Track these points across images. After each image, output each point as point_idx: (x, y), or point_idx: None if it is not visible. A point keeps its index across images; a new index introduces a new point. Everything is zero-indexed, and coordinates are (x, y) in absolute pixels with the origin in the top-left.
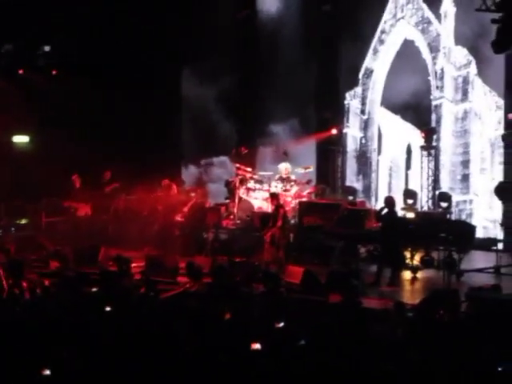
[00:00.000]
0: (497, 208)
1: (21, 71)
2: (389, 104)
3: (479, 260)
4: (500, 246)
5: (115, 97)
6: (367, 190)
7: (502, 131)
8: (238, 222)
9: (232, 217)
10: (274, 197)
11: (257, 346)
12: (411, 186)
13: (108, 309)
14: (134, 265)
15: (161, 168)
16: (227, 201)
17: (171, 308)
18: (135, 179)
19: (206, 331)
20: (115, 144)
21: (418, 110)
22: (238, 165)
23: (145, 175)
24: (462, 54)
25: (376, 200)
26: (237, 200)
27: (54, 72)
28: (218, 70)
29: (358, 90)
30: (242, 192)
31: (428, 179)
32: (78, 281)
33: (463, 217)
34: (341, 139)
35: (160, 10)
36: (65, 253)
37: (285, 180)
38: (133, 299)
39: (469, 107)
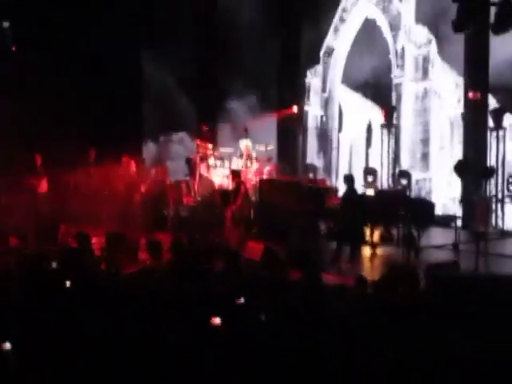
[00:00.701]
0: (456, 186)
1: None
2: (349, 82)
3: (438, 237)
4: (459, 222)
5: (75, 73)
6: (328, 167)
7: (461, 110)
8: (199, 199)
9: (193, 194)
10: (234, 174)
11: (217, 320)
12: (371, 164)
13: (68, 284)
14: (94, 241)
15: (121, 145)
16: (188, 178)
17: (132, 284)
18: (95, 156)
19: (165, 307)
20: (75, 120)
21: (378, 89)
22: (198, 142)
23: (105, 152)
24: (422, 33)
25: (336, 178)
26: (197, 177)
27: (12, 48)
28: (177, 46)
29: (319, 68)
30: (202, 169)
31: (388, 157)
32: (37, 258)
33: (423, 194)
34: (301, 117)
35: None
36: (24, 230)
37: (245, 157)
38: (93, 275)
39: (429, 86)
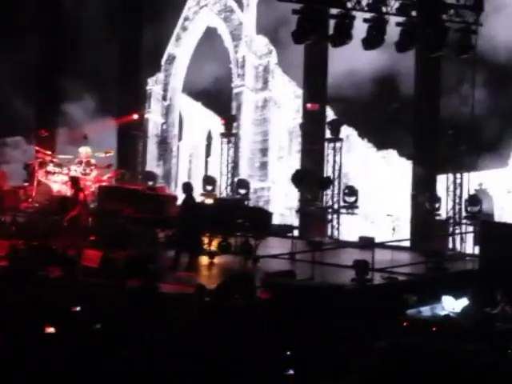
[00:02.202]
0: (293, 195)
1: None
2: (191, 91)
3: (275, 246)
4: (295, 232)
5: None
6: (167, 175)
7: (300, 120)
8: (37, 205)
9: (30, 200)
10: (73, 181)
11: (51, 329)
12: (211, 173)
13: None
14: None
15: None
16: (26, 184)
17: None
18: None
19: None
20: None
21: (219, 98)
22: (37, 147)
23: None
24: (263, 43)
25: (176, 186)
26: (35, 183)
27: None
28: (15, 45)
29: (161, 75)
30: (41, 175)
31: (227, 166)
32: None
33: (261, 203)
34: (142, 124)
35: None
36: None
37: (85, 164)
38: None
39: (268, 96)
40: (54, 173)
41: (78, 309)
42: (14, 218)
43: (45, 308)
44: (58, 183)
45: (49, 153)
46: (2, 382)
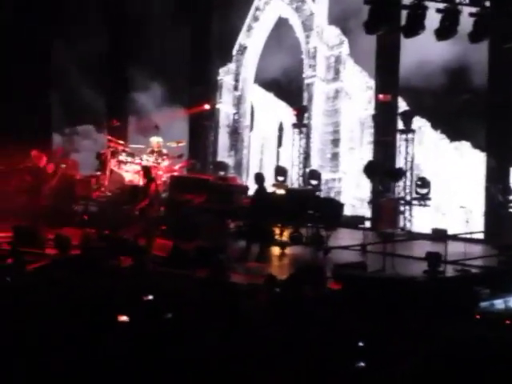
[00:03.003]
0: (365, 187)
1: None
2: (262, 81)
3: (346, 237)
4: (367, 224)
5: None
6: (238, 165)
7: (371, 111)
8: (109, 194)
9: (102, 189)
10: (145, 170)
11: (124, 318)
12: (282, 163)
13: None
14: (0, 235)
15: (29, 137)
16: (98, 173)
17: (38, 279)
18: (1, 149)
19: (73, 303)
20: None
21: (290, 88)
22: (109, 137)
23: (11, 144)
24: (334, 34)
25: (247, 176)
26: (108, 172)
27: None
28: (83, 34)
29: (232, 66)
30: (113, 164)
31: (299, 157)
32: None
33: (332, 195)
34: (213, 114)
35: None
36: None
37: (156, 154)
38: None
39: (340, 87)
40: (126, 162)
41: (149, 298)
42: (86, 207)
43: (117, 297)
44: (129, 173)
45: (121, 142)
46: (78, 370)
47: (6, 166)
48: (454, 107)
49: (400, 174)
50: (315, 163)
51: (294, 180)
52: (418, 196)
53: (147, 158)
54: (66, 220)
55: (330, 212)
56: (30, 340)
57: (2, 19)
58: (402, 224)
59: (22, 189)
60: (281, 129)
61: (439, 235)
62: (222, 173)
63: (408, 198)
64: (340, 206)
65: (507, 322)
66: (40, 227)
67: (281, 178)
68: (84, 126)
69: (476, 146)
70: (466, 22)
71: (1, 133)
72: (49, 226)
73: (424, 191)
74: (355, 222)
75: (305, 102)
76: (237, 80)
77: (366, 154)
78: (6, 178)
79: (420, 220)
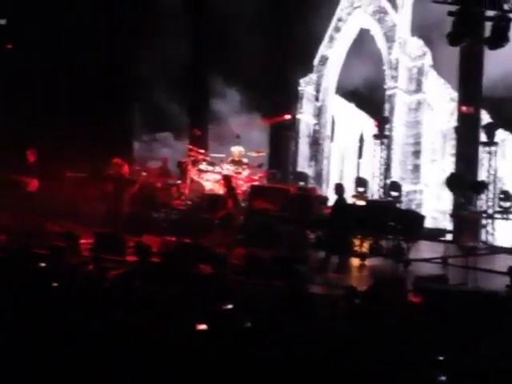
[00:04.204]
0: (446, 199)
1: None
2: (343, 92)
3: (427, 250)
4: (448, 236)
5: (67, 73)
6: (318, 176)
7: (454, 123)
8: (189, 203)
9: (183, 198)
10: (226, 179)
11: (202, 326)
12: (362, 175)
13: (54, 284)
14: (82, 241)
15: (110, 145)
16: (178, 181)
17: (118, 286)
18: (84, 156)
19: (152, 310)
20: (65, 119)
21: (371, 99)
22: (190, 146)
23: (94, 152)
24: (417, 45)
25: (327, 186)
26: (188, 181)
27: (8, 46)
28: (168, 44)
29: (313, 76)
30: (193, 173)
31: (379, 168)
32: (24, 255)
33: (413, 207)
34: (294, 124)
35: None
36: (11, 227)
37: (237, 163)
38: (79, 276)
39: (422, 98)
40: (206, 171)
41: (229, 307)
42: (166, 214)
43: (196, 305)
44: (210, 181)
45: (201, 151)
46: (158, 376)
47: (89, 173)
48: None
49: (483, 186)
50: (396, 175)
51: (375, 191)
52: (500, 209)
53: (228, 167)
54: (147, 227)
55: (411, 224)
56: (108, 346)
57: (90, 32)
58: (483, 237)
59: (103, 196)
60: (361, 140)
61: None
62: (301, 183)
63: (490, 211)
64: (421, 218)
65: None
66: (121, 234)
67: (361, 189)
68: (162, 133)
69: None
70: None
71: (83, 141)
72: (129, 233)
73: (507, 205)
74: (436, 234)
75: (386, 113)
76: (318, 90)
77: (448, 166)
78: (89, 185)
79: (502, 234)
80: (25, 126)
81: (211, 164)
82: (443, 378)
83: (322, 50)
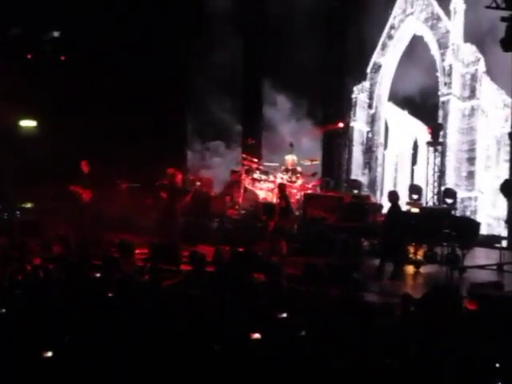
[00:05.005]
0: (501, 206)
1: (29, 56)
2: (396, 99)
3: (482, 257)
4: (504, 243)
5: (120, 84)
6: (372, 184)
7: (508, 129)
8: (243, 212)
9: (237, 207)
10: (280, 188)
11: (256, 335)
12: (416, 182)
13: (110, 295)
14: (137, 251)
15: (164, 155)
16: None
17: (173, 296)
18: (138, 167)
19: (207, 320)
20: (119, 131)
21: (425, 106)
22: (243, 155)
23: (148, 163)
24: (470, 51)
25: (381, 194)
26: (242, 190)
27: (62, 57)
28: (219, 52)
29: (366, 84)
30: (247, 182)
31: (434, 175)
32: (80, 266)
33: (468, 213)
34: (347, 132)
35: None
36: (67, 238)
37: (290, 171)
38: (134, 286)
39: (476, 104)
40: (260, 180)
41: (283, 315)
42: (220, 224)
43: (250, 314)
44: (263, 190)
45: (255, 160)
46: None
47: (143, 183)
48: None
49: None
50: (450, 182)
51: (429, 198)
52: None
53: (282, 175)
54: (201, 237)
55: (466, 231)
56: (165, 357)
57: (143, 42)
58: None
59: (157, 206)
60: (415, 147)
61: None
62: (355, 191)
63: None
64: (476, 224)
65: None
66: (175, 244)
67: (415, 197)
68: (214, 142)
69: None
70: None
71: (137, 151)
72: (184, 242)
73: None
74: (491, 241)
75: (440, 120)
76: (371, 98)
77: (503, 172)
78: (143, 195)
79: None
80: (79, 138)
81: (265, 173)
82: None
83: (375, 57)
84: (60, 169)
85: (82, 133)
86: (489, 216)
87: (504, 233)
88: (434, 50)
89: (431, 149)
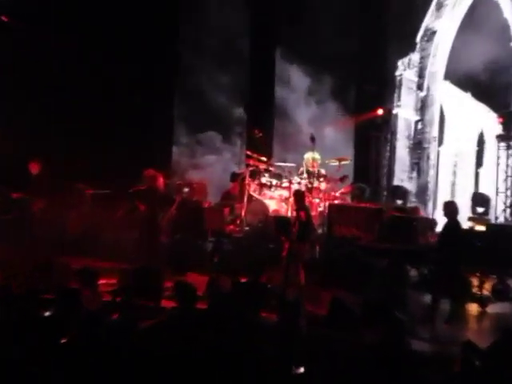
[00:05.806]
0: None
1: None
2: (456, 78)
3: None
4: None
5: (83, 55)
6: (423, 191)
7: None
8: (247, 228)
9: (239, 222)
10: (297, 197)
11: None
12: (483, 189)
13: (63, 341)
14: (103, 281)
15: (142, 152)
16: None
17: (151, 342)
18: (108, 166)
19: (196, 372)
20: (81, 119)
21: (494, 87)
22: (248, 152)
23: (120, 162)
24: None
25: (434, 206)
26: (246, 199)
27: (4, 19)
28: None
29: (415, 57)
30: (253, 189)
31: (506, 180)
32: (25, 301)
33: None
34: (388, 122)
35: None
36: (9, 263)
37: (311, 175)
38: (99, 328)
39: None
40: (270, 186)
41: (301, 370)
42: (216, 244)
43: (257, 368)
44: (274, 199)
45: (263, 159)
46: None
47: (113, 189)
48: None
49: None
50: None
51: (499, 212)
52: None
53: (298, 180)
54: (190, 262)
55: None
56: None
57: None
58: None
59: (132, 219)
60: (481, 142)
61: None
62: (399, 201)
63: None
64: None
65: None
66: (156, 272)
67: (481, 210)
68: (207, 133)
69: None
70: None
71: (107, 146)
72: (167, 269)
73: None
74: None
75: None
76: (421, 76)
77: None
78: (113, 204)
79: None
80: (29, 132)
81: (277, 176)
82: None
83: (428, 21)
84: (4, 172)
85: (30, 124)
86: None
87: None
88: (508, 13)
89: (503, 145)
